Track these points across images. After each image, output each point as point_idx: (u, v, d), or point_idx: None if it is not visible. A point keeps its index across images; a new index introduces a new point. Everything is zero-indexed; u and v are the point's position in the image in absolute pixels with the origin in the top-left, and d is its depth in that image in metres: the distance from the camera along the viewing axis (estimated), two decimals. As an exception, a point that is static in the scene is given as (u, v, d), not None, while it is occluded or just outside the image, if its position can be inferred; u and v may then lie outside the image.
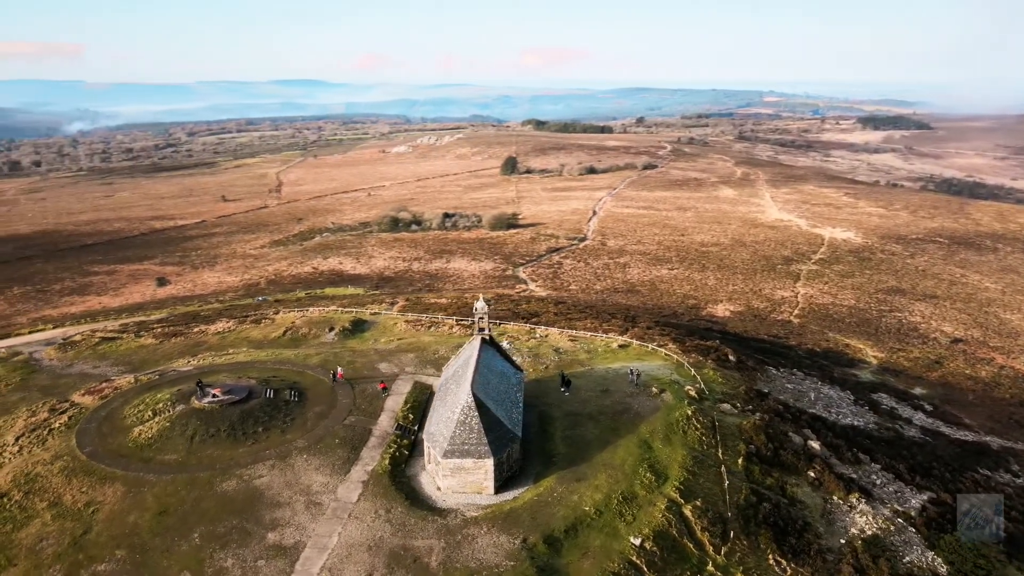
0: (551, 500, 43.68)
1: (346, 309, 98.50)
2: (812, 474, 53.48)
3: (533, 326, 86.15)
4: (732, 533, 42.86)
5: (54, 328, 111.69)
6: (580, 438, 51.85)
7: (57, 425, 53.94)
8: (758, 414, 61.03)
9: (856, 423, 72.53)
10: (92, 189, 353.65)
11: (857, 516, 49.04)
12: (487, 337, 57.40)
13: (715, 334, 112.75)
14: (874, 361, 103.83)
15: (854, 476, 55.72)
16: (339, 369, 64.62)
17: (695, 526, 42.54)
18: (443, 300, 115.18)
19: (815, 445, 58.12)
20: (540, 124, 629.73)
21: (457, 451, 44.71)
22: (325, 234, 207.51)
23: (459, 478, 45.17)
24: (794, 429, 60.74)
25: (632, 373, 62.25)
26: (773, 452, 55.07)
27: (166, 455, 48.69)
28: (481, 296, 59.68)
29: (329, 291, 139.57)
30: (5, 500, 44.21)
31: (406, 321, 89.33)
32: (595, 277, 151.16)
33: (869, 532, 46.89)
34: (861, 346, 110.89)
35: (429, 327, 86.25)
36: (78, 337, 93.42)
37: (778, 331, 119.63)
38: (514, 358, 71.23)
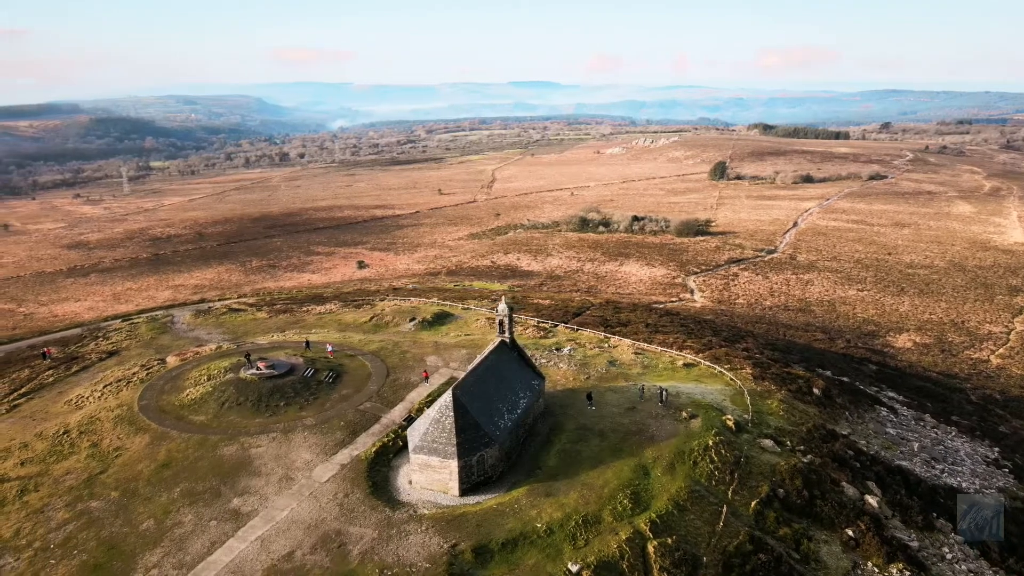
0: (508, 511, 41.84)
1: (442, 302, 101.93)
2: (851, 532, 45.92)
3: (608, 335, 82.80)
4: (699, 580, 38.19)
5: (239, 297, 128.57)
6: (576, 453, 49.07)
7: (136, 380, 62.31)
8: (808, 456, 53.47)
9: (965, 484, 60.68)
10: (337, 179, 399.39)
11: (889, 591, 41.46)
12: (507, 340, 56.56)
13: (869, 364, 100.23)
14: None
15: (912, 544, 46.94)
16: (329, 347, 69.59)
17: (654, 564, 38.40)
18: (546, 300, 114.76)
19: (872, 501, 49.75)
20: (767, 128, 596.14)
21: (426, 448, 44.55)
22: (518, 230, 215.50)
23: (426, 475, 44.98)
24: (852, 479, 52.35)
25: (662, 393, 57.55)
26: (807, 500, 48.09)
27: (197, 416, 54.15)
28: (503, 298, 58.81)
29: (477, 284, 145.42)
30: (65, 436, 52.12)
31: (487, 318, 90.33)
32: (768, 292, 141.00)
33: (894, 611, 39.53)
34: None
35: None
36: (217, 306, 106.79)
37: (961, 370, 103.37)
38: (561, 366, 69.25)
